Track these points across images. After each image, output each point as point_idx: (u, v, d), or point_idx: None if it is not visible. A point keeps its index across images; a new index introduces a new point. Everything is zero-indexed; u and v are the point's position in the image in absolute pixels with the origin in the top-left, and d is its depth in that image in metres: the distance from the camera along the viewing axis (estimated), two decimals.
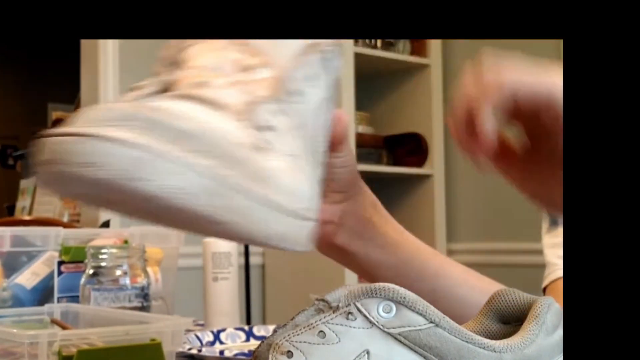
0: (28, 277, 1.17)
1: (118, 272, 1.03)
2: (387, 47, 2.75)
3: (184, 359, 0.90)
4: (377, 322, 0.44)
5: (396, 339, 0.44)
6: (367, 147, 2.71)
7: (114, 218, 2.49)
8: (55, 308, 0.97)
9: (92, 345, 0.73)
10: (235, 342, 1.03)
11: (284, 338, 0.45)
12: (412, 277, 0.69)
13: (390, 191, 2.75)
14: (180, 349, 0.86)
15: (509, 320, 0.48)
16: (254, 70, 0.49)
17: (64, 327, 0.88)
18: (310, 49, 0.51)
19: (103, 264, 1.03)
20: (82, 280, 1.03)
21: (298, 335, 0.45)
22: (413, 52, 2.80)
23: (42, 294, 1.16)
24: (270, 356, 0.45)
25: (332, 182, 0.62)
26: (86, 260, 1.05)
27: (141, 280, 1.05)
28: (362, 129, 2.77)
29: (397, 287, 0.45)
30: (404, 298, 0.45)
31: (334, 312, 0.45)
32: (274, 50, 0.51)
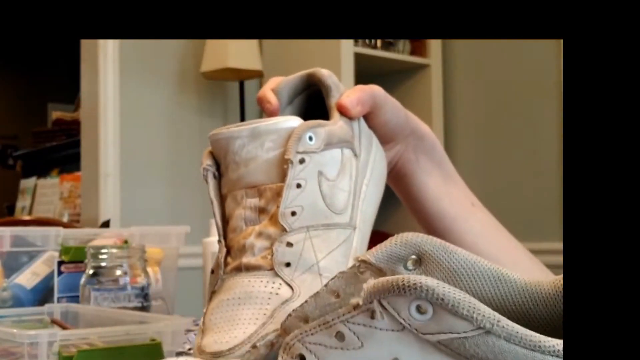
0: (28, 277, 1.17)
1: (118, 272, 1.03)
2: (387, 47, 2.75)
3: None
4: (410, 324, 0.35)
5: (435, 346, 0.35)
6: None
7: (114, 218, 2.49)
8: (55, 308, 0.97)
9: (92, 345, 0.73)
10: None
11: (297, 338, 0.37)
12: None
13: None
14: (180, 349, 0.86)
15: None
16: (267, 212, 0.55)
17: (64, 327, 0.88)
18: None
19: (103, 264, 1.03)
20: (82, 280, 1.03)
21: (312, 334, 0.37)
22: (413, 52, 2.80)
23: (42, 294, 1.16)
24: (279, 358, 0.38)
25: (378, 135, 0.66)
26: (86, 260, 1.05)
27: (141, 280, 1.05)
28: None
29: (434, 283, 0.35)
30: (443, 299, 0.35)
31: (354, 309, 0.36)
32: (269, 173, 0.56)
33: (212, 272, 0.59)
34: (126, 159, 2.57)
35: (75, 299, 1.07)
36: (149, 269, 1.14)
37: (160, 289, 1.22)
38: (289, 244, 0.54)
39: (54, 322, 0.92)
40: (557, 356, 0.35)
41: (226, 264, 0.57)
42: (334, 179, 0.57)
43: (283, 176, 0.55)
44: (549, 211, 2.48)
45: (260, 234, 0.55)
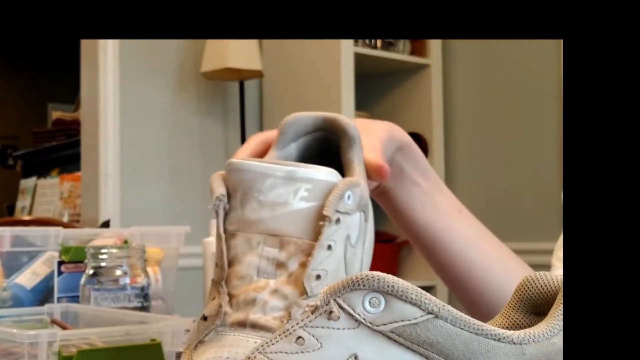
0: (28, 277, 1.17)
1: (118, 272, 1.03)
2: (387, 47, 2.75)
3: None
4: (364, 319, 0.37)
5: (389, 337, 0.37)
6: None
7: (114, 218, 2.49)
8: (55, 308, 0.97)
9: (92, 345, 0.73)
10: None
11: (258, 350, 0.38)
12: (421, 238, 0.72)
13: None
14: (180, 349, 0.86)
15: (543, 311, 0.41)
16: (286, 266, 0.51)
17: (64, 327, 0.88)
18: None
19: (103, 264, 1.03)
20: (82, 280, 1.03)
21: (273, 344, 0.38)
22: (413, 52, 2.80)
23: (42, 294, 1.16)
24: None
25: None
26: (86, 260, 1.05)
27: (141, 281, 1.05)
28: None
29: (383, 275, 0.37)
30: (393, 287, 0.37)
31: (312, 313, 0.38)
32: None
33: (204, 318, 0.52)
34: (126, 159, 2.57)
35: (75, 299, 1.07)
36: (149, 269, 1.14)
37: (160, 289, 1.22)
38: None
39: (54, 322, 0.92)
40: (499, 340, 0.37)
41: (225, 313, 0.51)
42: (354, 244, 0.53)
43: (313, 233, 0.51)
44: (549, 211, 2.48)
45: (275, 292, 0.50)
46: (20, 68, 5.61)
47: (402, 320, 0.37)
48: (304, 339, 0.37)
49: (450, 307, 0.37)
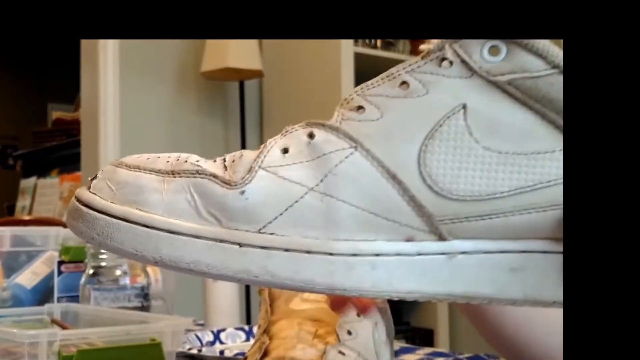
0: (28, 277, 1.17)
1: (118, 272, 1.03)
2: (387, 47, 2.75)
3: (184, 359, 0.90)
4: (480, 67, 0.34)
5: (505, 90, 0.33)
6: None
7: None
8: (55, 308, 0.97)
9: (92, 345, 0.73)
10: (235, 342, 1.03)
11: (356, 92, 0.36)
12: None
13: None
14: (180, 349, 0.86)
15: None
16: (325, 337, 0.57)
17: (64, 327, 0.88)
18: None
19: (103, 264, 1.03)
20: (82, 280, 1.03)
21: (375, 87, 0.35)
22: (413, 52, 2.80)
23: (42, 294, 1.16)
24: (335, 113, 0.36)
25: None
26: (86, 260, 1.05)
27: (141, 280, 1.05)
28: None
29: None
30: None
31: (422, 59, 0.34)
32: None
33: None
34: None
35: (75, 299, 1.07)
36: (149, 269, 1.14)
37: (160, 289, 1.22)
38: None
39: (54, 322, 0.92)
40: None
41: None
42: None
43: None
44: None
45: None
46: (20, 68, 5.61)
47: (522, 72, 0.33)
48: (408, 84, 0.34)
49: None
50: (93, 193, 0.37)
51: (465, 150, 0.34)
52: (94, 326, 0.89)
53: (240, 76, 2.65)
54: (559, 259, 0.34)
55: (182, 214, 0.34)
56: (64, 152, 3.52)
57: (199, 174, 0.35)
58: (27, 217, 2.89)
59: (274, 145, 0.36)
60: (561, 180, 0.34)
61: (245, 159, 0.35)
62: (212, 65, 2.56)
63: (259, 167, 0.35)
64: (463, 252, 0.34)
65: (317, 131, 0.36)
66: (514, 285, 0.34)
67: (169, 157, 0.36)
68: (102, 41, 2.52)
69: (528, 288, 0.34)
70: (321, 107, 2.57)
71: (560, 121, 0.34)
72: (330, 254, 0.33)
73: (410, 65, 0.35)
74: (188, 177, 0.35)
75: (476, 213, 0.34)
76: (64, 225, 1.80)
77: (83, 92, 2.67)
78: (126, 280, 1.03)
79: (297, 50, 2.67)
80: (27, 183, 3.68)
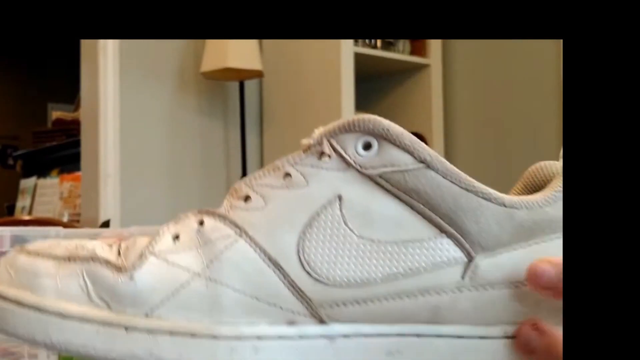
0: None
1: None
2: (387, 47, 2.75)
3: None
4: (355, 161, 0.36)
5: (376, 182, 0.36)
6: None
7: (114, 218, 2.49)
8: None
9: None
10: None
11: (244, 182, 0.38)
12: None
13: None
14: None
15: None
16: None
17: None
18: None
19: None
20: None
21: (261, 178, 0.38)
22: (413, 52, 2.80)
23: None
24: (225, 201, 0.38)
25: None
26: None
27: None
28: None
29: (379, 119, 0.36)
30: (387, 130, 0.36)
31: (304, 152, 0.37)
32: None
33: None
34: (126, 159, 2.57)
35: None
36: None
37: None
38: None
39: None
40: (489, 200, 0.36)
41: None
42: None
43: None
44: None
45: None
46: (20, 68, 5.61)
47: (392, 166, 0.36)
48: (291, 176, 0.37)
49: (443, 159, 0.36)
50: None
51: (341, 238, 0.36)
52: None
53: (240, 76, 2.65)
54: (432, 342, 0.36)
55: (73, 298, 0.35)
56: (64, 152, 3.52)
57: (93, 260, 0.36)
58: (27, 217, 2.89)
59: (166, 231, 0.38)
60: (431, 268, 0.36)
61: (137, 245, 0.37)
62: (212, 65, 2.56)
63: (150, 253, 0.36)
64: (343, 336, 0.36)
65: (206, 219, 0.37)
66: None
67: (69, 244, 0.37)
68: (102, 41, 2.52)
69: None
70: (321, 107, 2.57)
71: (428, 213, 0.36)
72: (214, 337, 0.35)
73: (293, 158, 0.37)
74: (82, 262, 0.36)
75: (352, 298, 0.36)
76: (64, 225, 1.80)
77: (83, 92, 2.67)
78: None
79: (297, 50, 2.67)
80: (27, 183, 3.68)
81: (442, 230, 0.36)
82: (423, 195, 0.36)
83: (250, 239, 0.36)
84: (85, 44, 2.63)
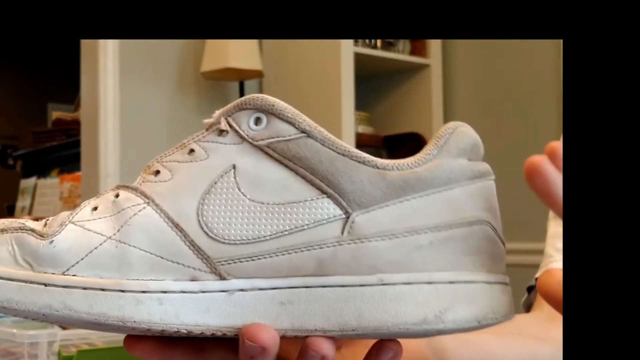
0: None
1: None
2: (387, 47, 2.75)
3: None
4: (247, 135, 0.42)
5: (264, 151, 0.42)
6: (367, 147, 2.71)
7: None
8: None
9: (92, 345, 0.73)
10: None
11: (156, 159, 0.44)
12: None
13: None
14: None
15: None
16: None
17: (64, 327, 0.88)
18: None
19: None
20: None
21: (170, 155, 0.44)
22: (413, 52, 2.80)
23: None
24: (139, 177, 0.44)
25: None
26: None
27: None
28: (362, 128, 2.77)
29: (267, 97, 0.43)
30: (273, 106, 0.42)
31: (206, 130, 0.43)
32: None
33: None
34: (126, 159, 2.57)
35: None
36: None
37: None
38: None
39: None
40: (363, 163, 0.41)
41: None
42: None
43: None
44: (549, 211, 2.47)
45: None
46: (20, 68, 5.61)
47: (277, 137, 0.42)
48: (194, 151, 0.43)
49: (323, 130, 0.42)
50: None
51: (235, 202, 0.42)
52: None
53: (240, 76, 2.65)
54: (319, 291, 0.41)
55: (2, 261, 0.41)
56: (64, 152, 3.52)
57: (21, 229, 0.42)
58: (27, 217, 2.89)
59: (87, 205, 0.43)
60: (313, 225, 0.41)
61: (60, 217, 0.43)
62: (212, 65, 2.56)
63: (69, 221, 0.42)
64: (240, 289, 0.41)
65: (121, 192, 0.43)
66: (284, 317, 0.41)
67: (7, 220, 0.43)
68: (102, 41, 2.51)
69: (295, 319, 0.41)
70: (321, 107, 2.57)
71: (310, 176, 0.42)
72: (122, 290, 0.40)
73: (197, 136, 0.44)
74: (12, 232, 0.42)
75: (246, 255, 0.41)
76: None
77: (83, 92, 2.67)
78: None
79: (297, 50, 2.67)
80: (27, 183, 3.68)
81: (322, 192, 0.41)
82: (304, 161, 0.41)
83: (157, 206, 0.42)
84: (85, 44, 2.62)
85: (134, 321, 0.40)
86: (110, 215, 0.42)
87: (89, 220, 0.42)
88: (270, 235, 0.41)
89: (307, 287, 0.41)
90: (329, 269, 0.41)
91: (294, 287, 0.41)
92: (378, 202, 0.41)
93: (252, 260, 0.41)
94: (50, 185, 3.49)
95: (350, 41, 2.55)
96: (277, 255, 0.41)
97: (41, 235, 0.41)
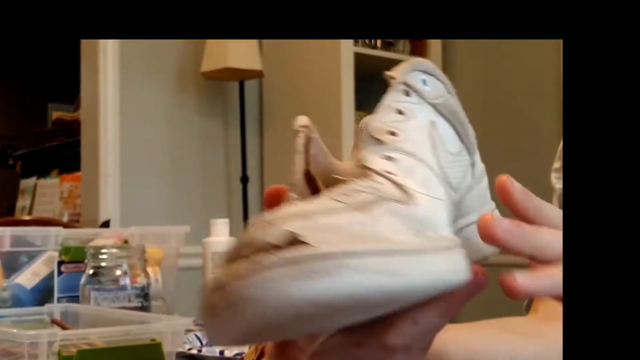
0: (28, 277, 1.17)
1: (118, 272, 1.03)
2: (387, 47, 2.75)
3: (184, 359, 0.90)
4: (425, 95, 0.47)
5: (436, 109, 0.47)
6: None
7: (114, 218, 2.49)
8: (55, 308, 0.97)
9: (92, 345, 0.73)
10: None
11: (376, 121, 0.47)
12: None
13: None
14: (180, 349, 0.86)
15: None
16: None
17: (64, 327, 0.88)
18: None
19: (103, 264, 1.03)
20: (82, 280, 1.03)
21: (386, 115, 0.47)
22: (413, 52, 2.80)
23: (42, 294, 1.16)
24: (363, 135, 0.46)
25: None
26: (86, 260, 1.05)
27: (141, 280, 1.05)
28: None
29: (424, 60, 0.48)
30: (433, 68, 0.48)
31: (394, 91, 0.48)
32: None
33: None
34: (126, 159, 2.57)
35: (75, 299, 1.07)
36: (149, 269, 1.15)
37: (160, 289, 1.22)
38: None
39: (54, 322, 0.92)
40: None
41: None
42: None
43: None
44: None
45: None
46: (20, 68, 5.61)
47: (442, 95, 0.47)
48: (402, 112, 0.47)
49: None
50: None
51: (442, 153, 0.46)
52: (94, 326, 0.89)
53: (240, 76, 2.65)
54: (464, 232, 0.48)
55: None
56: (64, 152, 3.52)
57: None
58: (27, 217, 2.89)
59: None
60: (463, 174, 0.47)
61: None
62: (212, 65, 2.56)
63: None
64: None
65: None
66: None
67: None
68: (102, 41, 2.52)
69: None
70: (321, 107, 2.57)
71: (460, 129, 0.47)
72: None
73: (392, 96, 0.49)
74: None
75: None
76: (64, 225, 1.80)
77: (83, 92, 2.67)
78: (126, 281, 1.03)
79: (297, 50, 2.67)
80: (27, 183, 3.68)
81: (462, 142, 0.48)
82: (456, 115, 0.48)
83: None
84: (85, 44, 2.63)
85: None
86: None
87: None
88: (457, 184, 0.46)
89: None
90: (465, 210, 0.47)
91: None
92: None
93: None
94: (50, 185, 3.49)
95: (350, 41, 2.55)
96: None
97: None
